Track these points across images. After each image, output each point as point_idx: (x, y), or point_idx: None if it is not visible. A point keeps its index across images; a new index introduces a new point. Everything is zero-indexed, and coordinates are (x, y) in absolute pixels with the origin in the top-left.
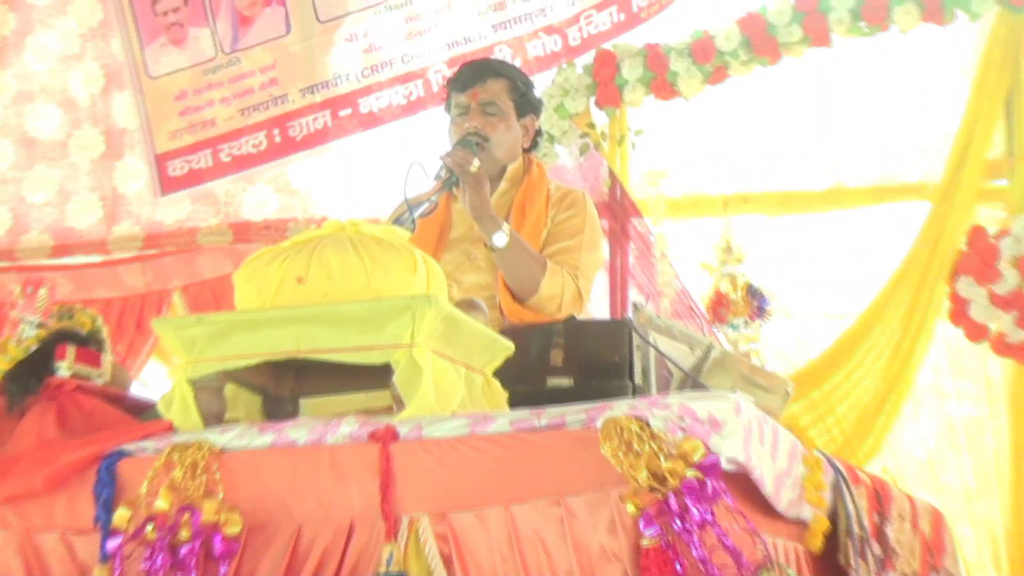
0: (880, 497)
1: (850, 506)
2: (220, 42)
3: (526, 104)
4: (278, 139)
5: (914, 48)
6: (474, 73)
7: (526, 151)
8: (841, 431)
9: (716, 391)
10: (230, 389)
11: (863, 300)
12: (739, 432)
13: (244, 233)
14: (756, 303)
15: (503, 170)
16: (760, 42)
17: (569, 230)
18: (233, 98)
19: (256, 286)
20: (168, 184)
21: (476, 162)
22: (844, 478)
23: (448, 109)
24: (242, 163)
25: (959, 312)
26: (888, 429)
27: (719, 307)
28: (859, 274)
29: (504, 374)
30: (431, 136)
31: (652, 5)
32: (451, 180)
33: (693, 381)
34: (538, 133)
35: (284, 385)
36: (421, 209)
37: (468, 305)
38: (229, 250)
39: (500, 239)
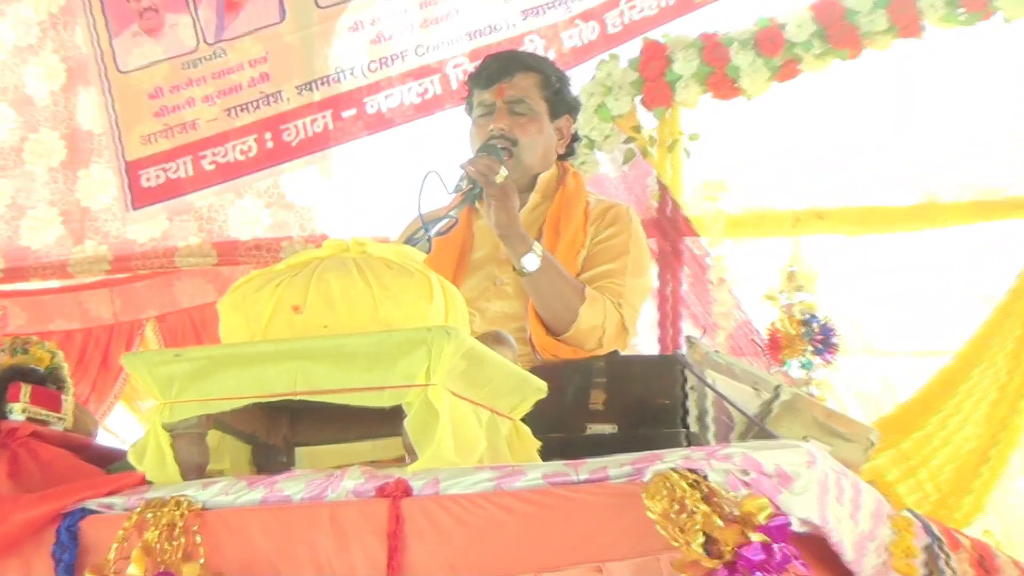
0: (984, 564)
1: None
2: (202, 31)
3: (561, 103)
4: (270, 144)
5: (1021, 39)
6: (500, 67)
7: (561, 158)
8: (936, 487)
9: (786, 440)
10: (213, 436)
11: (962, 334)
12: (813, 488)
13: (230, 254)
14: (818, 336)
15: (534, 180)
16: (838, 32)
17: (611, 251)
18: (218, 96)
19: (245, 316)
20: (141, 196)
21: (503, 171)
22: (940, 542)
23: (469, 109)
24: (228, 172)
25: None
26: (992, 485)
27: (773, 343)
28: (957, 304)
29: (536, 419)
30: (450, 141)
31: None
32: (473, 192)
33: (759, 428)
34: (575, 137)
35: (277, 432)
36: (438, 226)
37: (493, 338)
38: (213, 274)
39: (531, 261)
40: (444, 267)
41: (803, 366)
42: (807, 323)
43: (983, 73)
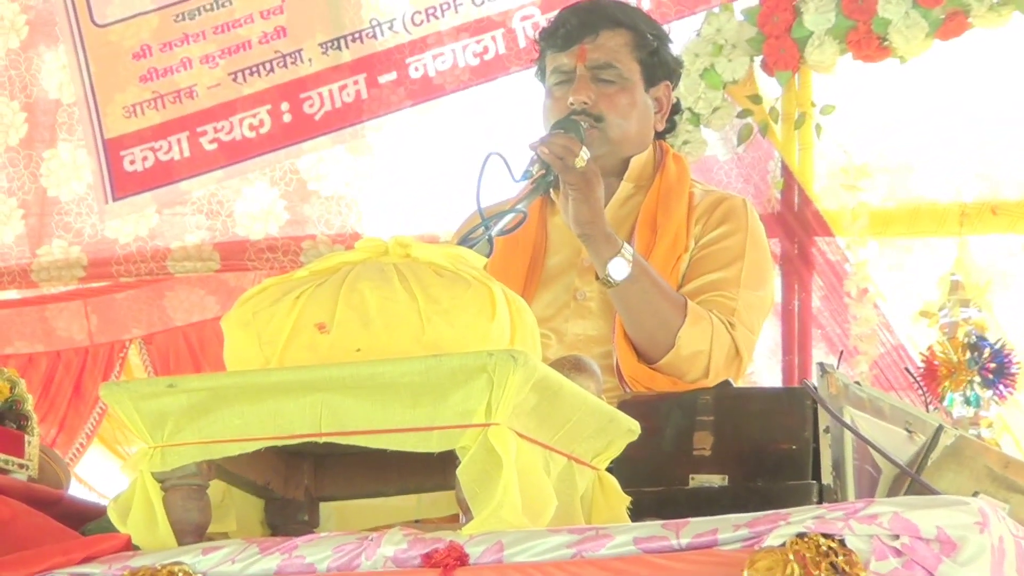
0: None
1: None
2: None
3: (659, 66)
4: (287, 118)
5: None
6: (581, 22)
7: (659, 136)
8: None
9: (949, 496)
10: (216, 489)
11: None
12: (985, 556)
13: (237, 257)
14: (988, 363)
15: (624, 165)
16: None
17: (722, 255)
18: (220, 56)
19: (256, 336)
20: (124, 184)
21: (584, 153)
22: None
23: (541, 76)
24: (234, 152)
25: None
26: None
27: (930, 373)
28: None
29: (626, 469)
30: (516, 113)
31: None
32: (547, 180)
33: (913, 480)
34: (675, 109)
35: (297, 483)
36: (502, 223)
37: (572, 366)
38: (215, 282)
39: (619, 267)
40: (511, 276)
41: (969, 401)
42: (974, 347)
43: None
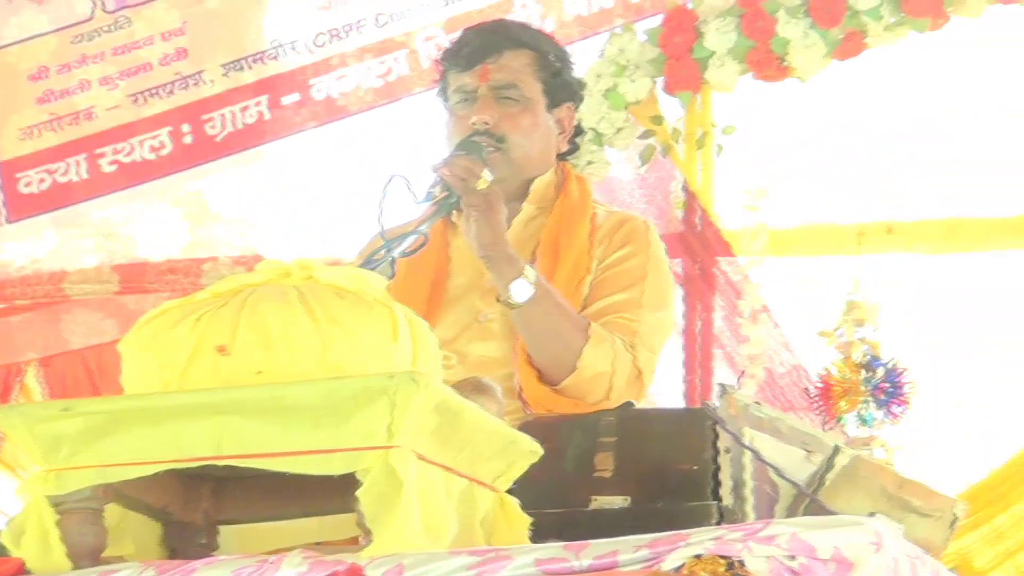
0: None
1: None
2: None
3: (561, 87)
4: (189, 139)
5: None
6: (483, 42)
7: (561, 157)
8: None
9: (846, 516)
10: (113, 512)
11: None
12: None
13: (137, 280)
14: (882, 384)
15: (527, 187)
16: None
17: (624, 277)
18: (120, 78)
19: (156, 359)
20: (19, 206)
21: (487, 174)
22: None
23: (444, 96)
24: (135, 175)
25: None
26: None
27: (825, 393)
28: None
29: (527, 490)
30: (419, 134)
31: None
32: (449, 201)
33: (811, 501)
34: (577, 131)
35: (196, 507)
36: (404, 245)
37: (474, 387)
38: (114, 305)
39: (521, 289)
40: (414, 298)
41: (864, 421)
42: (868, 367)
43: None
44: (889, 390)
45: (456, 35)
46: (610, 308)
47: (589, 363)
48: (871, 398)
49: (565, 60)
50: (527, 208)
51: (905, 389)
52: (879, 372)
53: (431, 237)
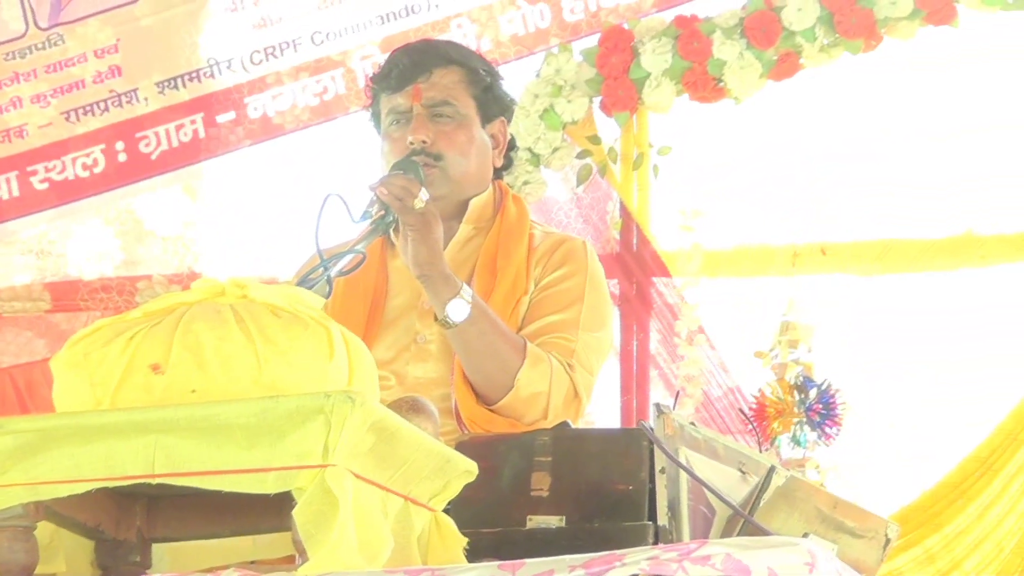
0: None
1: None
2: (33, 11)
3: (493, 102)
4: (123, 157)
5: None
6: (413, 61)
7: (496, 175)
8: None
9: (781, 537)
10: (44, 530)
11: (1005, 402)
12: None
13: (69, 298)
14: (815, 405)
15: (464, 207)
16: (850, 17)
17: (561, 298)
18: (52, 95)
19: (88, 377)
20: None
21: (423, 194)
22: None
23: (376, 120)
24: (67, 192)
25: None
26: None
27: (759, 414)
28: (998, 362)
29: (463, 510)
30: (356, 153)
31: None
32: (386, 221)
33: (746, 521)
34: (511, 146)
35: (129, 524)
36: (341, 264)
37: (410, 407)
38: (44, 324)
39: (458, 309)
40: (352, 318)
41: (796, 442)
42: (801, 388)
43: None
44: (822, 411)
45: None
46: (547, 328)
47: (526, 383)
48: (804, 419)
49: (494, 75)
50: (464, 228)
51: (838, 411)
52: (812, 394)
53: (369, 257)
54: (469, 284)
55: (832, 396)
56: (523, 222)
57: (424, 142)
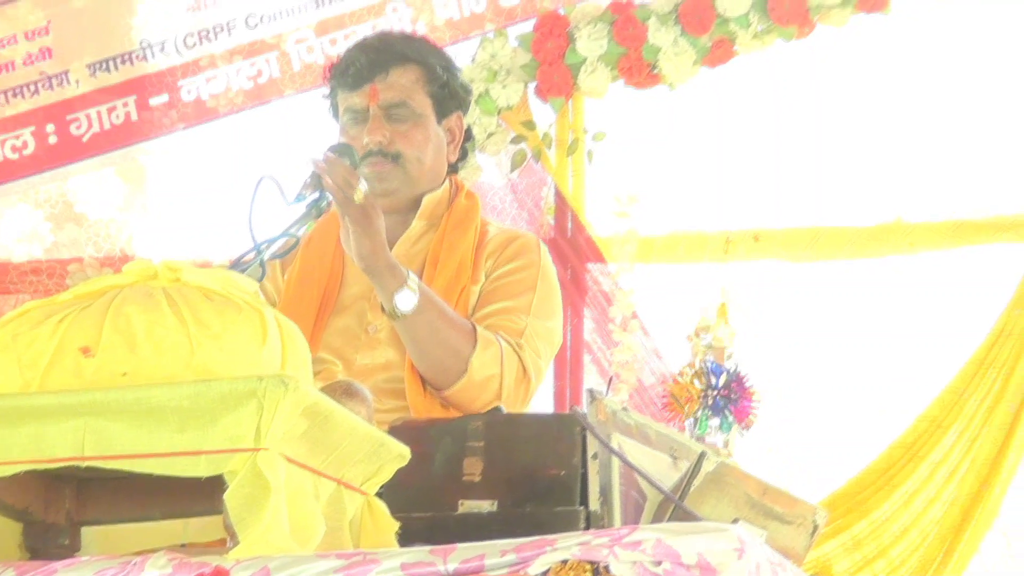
0: None
1: None
2: None
3: (450, 98)
4: (53, 139)
5: (1014, 18)
6: (370, 60)
7: (452, 168)
8: None
9: (710, 522)
10: None
11: (930, 389)
12: None
13: None
14: (722, 389)
15: (419, 202)
16: (781, 4)
17: (512, 287)
18: None
19: (16, 359)
20: None
21: (363, 185)
22: None
23: (334, 112)
24: None
25: None
26: None
27: (675, 398)
28: (925, 350)
29: (395, 494)
30: (290, 136)
31: None
32: (320, 204)
33: (677, 507)
34: (467, 136)
35: (58, 507)
36: (274, 247)
37: (344, 392)
38: None
39: (406, 300)
40: (304, 304)
41: (699, 426)
42: (710, 373)
43: (964, 58)
44: (728, 397)
45: (328, 39)
46: (496, 312)
47: (479, 366)
48: (712, 403)
49: (452, 70)
50: (417, 224)
51: (750, 396)
52: (721, 379)
53: (325, 244)
54: (419, 277)
55: (740, 380)
56: (472, 215)
57: (381, 142)
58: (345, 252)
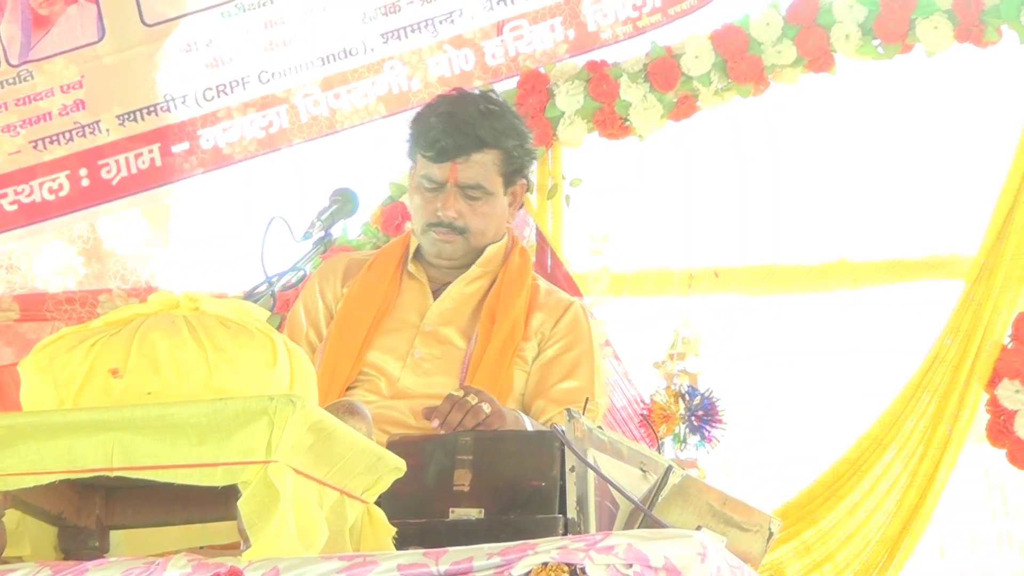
0: None
1: None
2: (5, 50)
3: (518, 173)
4: (86, 182)
5: (945, 77)
6: (456, 144)
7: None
8: None
9: (676, 529)
10: (12, 517)
11: (872, 410)
12: None
13: (36, 308)
14: (698, 411)
15: (480, 251)
16: (740, 64)
17: (572, 364)
18: (22, 126)
19: (53, 379)
20: None
21: (486, 407)
22: None
23: (412, 157)
24: (34, 213)
25: (1000, 428)
26: None
27: (650, 418)
28: (868, 375)
29: (392, 503)
30: (297, 180)
31: (624, 22)
32: (326, 240)
33: (646, 515)
34: (527, 188)
35: (89, 512)
36: (283, 280)
37: (346, 410)
38: (12, 332)
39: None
40: (358, 323)
41: (679, 441)
42: (686, 395)
43: (902, 114)
44: (703, 416)
45: (332, 95)
46: (568, 391)
47: None
48: (688, 424)
49: (526, 152)
50: (475, 269)
51: (719, 416)
52: (696, 400)
53: (383, 270)
54: (472, 322)
55: (712, 402)
56: (524, 273)
57: (453, 218)
58: (403, 283)
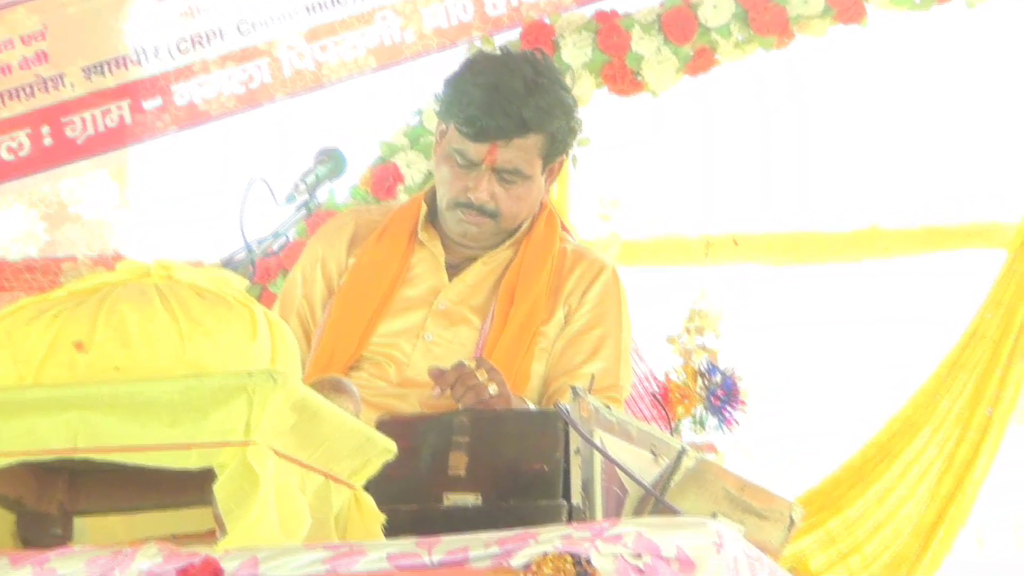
0: None
1: None
2: None
3: (560, 152)
4: (48, 141)
5: (986, 29)
6: (497, 126)
7: None
8: None
9: (690, 517)
10: None
11: (904, 390)
12: None
13: None
14: (718, 391)
15: (510, 234)
16: (763, 14)
17: (597, 342)
18: None
19: (11, 354)
20: None
21: (492, 388)
22: None
23: (444, 119)
24: None
25: None
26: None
27: (665, 398)
28: (900, 353)
29: (381, 487)
30: (281, 139)
31: None
32: (310, 205)
33: (657, 502)
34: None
35: (51, 497)
36: (264, 246)
37: (332, 387)
38: None
39: None
40: (366, 298)
41: (699, 425)
42: (705, 374)
43: (939, 70)
44: (723, 396)
45: (318, 47)
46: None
47: None
48: (706, 404)
49: (572, 129)
50: (504, 252)
51: (740, 396)
52: (716, 379)
53: (394, 244)
54: (489, 298)
55: (734, 382)
56: (550, 242)
57: (484, 201)
58: (414, 255)
